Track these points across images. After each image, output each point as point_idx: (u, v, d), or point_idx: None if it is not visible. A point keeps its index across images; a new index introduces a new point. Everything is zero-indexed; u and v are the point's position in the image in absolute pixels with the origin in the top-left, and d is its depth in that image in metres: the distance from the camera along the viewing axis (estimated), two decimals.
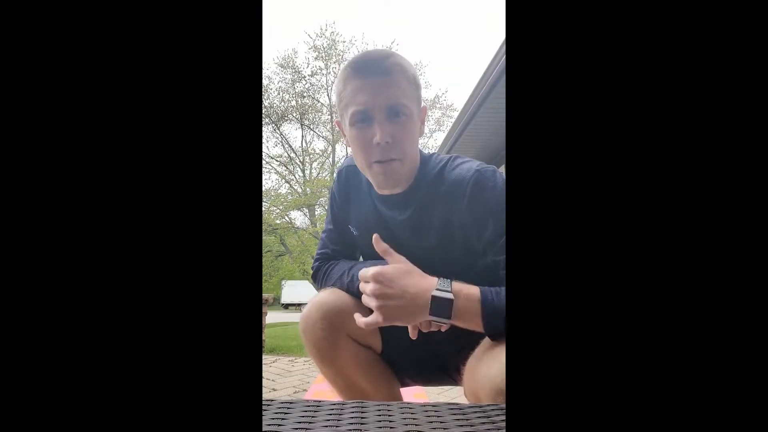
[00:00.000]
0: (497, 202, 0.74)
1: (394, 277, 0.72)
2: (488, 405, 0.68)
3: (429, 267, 0.77)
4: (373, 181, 0.80)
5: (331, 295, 0.90)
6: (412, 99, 0.74)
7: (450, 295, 0.70)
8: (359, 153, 0.76)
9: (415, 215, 0.82)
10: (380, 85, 0.69)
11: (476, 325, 0.73)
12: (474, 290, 0.73)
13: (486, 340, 0.79)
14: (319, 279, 1.00)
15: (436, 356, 1.00)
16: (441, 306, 0.70)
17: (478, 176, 0.76)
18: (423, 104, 0.79)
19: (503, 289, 0.72)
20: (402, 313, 0.72)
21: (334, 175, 0.97)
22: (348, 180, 0.93)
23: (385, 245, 0.77)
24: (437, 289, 0.71)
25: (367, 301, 0.77)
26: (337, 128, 0.81)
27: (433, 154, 0.85)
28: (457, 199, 0.78)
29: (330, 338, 0.87)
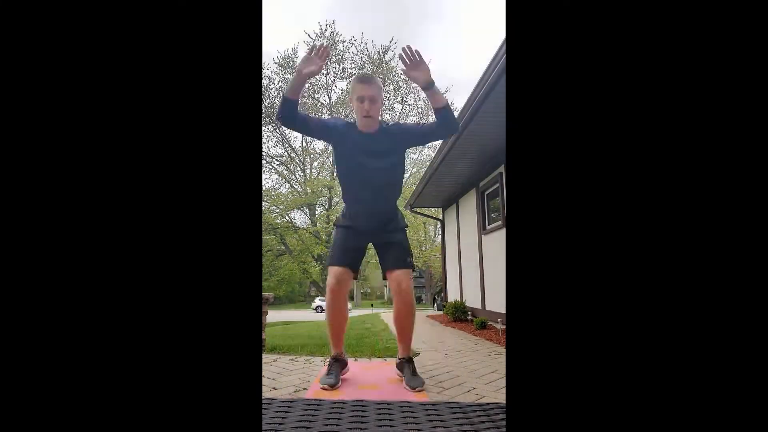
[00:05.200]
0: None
1: None
2: (488, 404, 0.68)
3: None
4: (360, 124, 1.62)
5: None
6: (380, 95, 1.68)
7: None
8: (357, 113, 1.63)
9: (388, 163, 1.66)
10: (368, 87, 1.62)
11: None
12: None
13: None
14: None
15: None
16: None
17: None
18: (383, 97, 1.81)
19: None
20: None
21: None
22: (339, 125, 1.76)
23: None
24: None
25: None
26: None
27: (381, 121, 1.70)
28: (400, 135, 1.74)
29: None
